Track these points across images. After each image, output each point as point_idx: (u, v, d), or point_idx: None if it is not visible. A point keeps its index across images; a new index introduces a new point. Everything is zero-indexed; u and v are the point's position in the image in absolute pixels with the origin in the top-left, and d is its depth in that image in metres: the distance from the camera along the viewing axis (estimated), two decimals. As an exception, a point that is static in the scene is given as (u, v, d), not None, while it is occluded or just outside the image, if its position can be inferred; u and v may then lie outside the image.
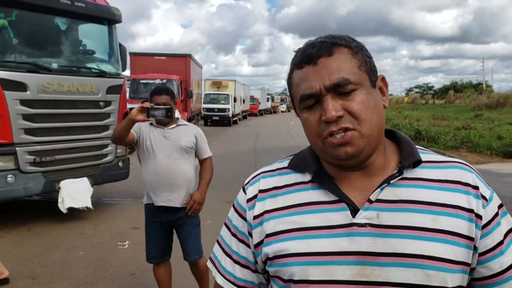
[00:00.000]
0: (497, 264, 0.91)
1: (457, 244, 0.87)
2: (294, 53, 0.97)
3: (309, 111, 0.92)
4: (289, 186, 1.00)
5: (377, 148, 0.93)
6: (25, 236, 5.81)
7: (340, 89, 0.88)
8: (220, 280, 1.07)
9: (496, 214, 0.92)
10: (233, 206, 1.08)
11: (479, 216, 0.90)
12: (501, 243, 0.91)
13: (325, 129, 0.88)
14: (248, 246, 1.02)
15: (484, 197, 0.91)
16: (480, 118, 30.37)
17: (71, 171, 6.45)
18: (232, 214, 1.08)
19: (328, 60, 0.89)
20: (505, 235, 0.93)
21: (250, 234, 1.01)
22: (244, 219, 1.03)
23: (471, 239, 0.89)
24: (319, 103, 0.90)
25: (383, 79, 0.98)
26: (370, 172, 0.94)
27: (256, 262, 1.01)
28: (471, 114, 33.78)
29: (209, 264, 1.12)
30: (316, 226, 0.92)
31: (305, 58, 0.92)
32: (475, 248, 0.90)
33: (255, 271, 1.03)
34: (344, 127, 0.87)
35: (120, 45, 7.35)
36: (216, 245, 1.11)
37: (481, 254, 0.91)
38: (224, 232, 1.09)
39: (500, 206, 0.94)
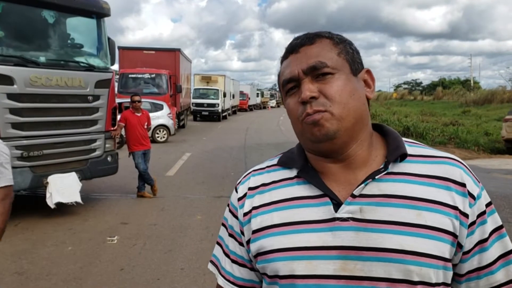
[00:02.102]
0: (475, 261, 0.92)
1: (441, 240, 0.87)
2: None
3: (291, 95, 0.95)
4: (276, 183, 1.01)
5: (358, 138, 0.93)
6: (12, 232, 5.74)
7: (317, 72, 0.91)
8: (221, 281, 1.07)
9: (483, 213, 0.92)
10: (228, 205, 1.09)
11: (465, 215, 0.89)
12: (483, 241, 0.91)
13: (302, 111, 0.91)
14: (242, 244, 1.03)
15: (471, 195, 0.90)
16: (468, 114, 30.72)
17: (59, 166, 6.39)
18: (227, 213, 1.08)
19: (308, 47, 0.94)
20: (490, 234, 0.92)
21: (242, 232, 1.02)
22: (237, 218, 1.04)
23: (455, 236, 0.88)
24: (299, 87, 0.93)
25: (368, 72, 0.99)
26: (354, 165, 0.94)
27: (250, 259, 1.02)
28: (458, 110, 34.15)
29: (210, 266, 1.12)
30: (299, 221, 0.92)
31: (289, 49, 0.97)
32: (459, 246, 0.89)
33: (252, 269, 1.04)
34: (317, 110, 0.89)
35: (109, 39, 7.28)
36: (216, 246, 1.11)
37: (465, 253, 0.91)
38: (222, 232, 1.10)
39: (488, 204, 0.93)
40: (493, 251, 0.92)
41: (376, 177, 0.91)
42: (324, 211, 0.91)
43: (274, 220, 0.95)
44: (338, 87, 0.90)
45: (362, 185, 0.91)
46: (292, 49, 0.96)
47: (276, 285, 0.94)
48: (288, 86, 0.95)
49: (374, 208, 0.89)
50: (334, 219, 0.90)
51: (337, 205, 0.91)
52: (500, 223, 0.95)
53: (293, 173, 1.00)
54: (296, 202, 0.95)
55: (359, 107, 0.92)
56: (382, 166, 0.93)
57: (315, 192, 0.94)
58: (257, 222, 0.98)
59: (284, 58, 0.99)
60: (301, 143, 1.00)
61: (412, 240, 0.86)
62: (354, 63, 0.96)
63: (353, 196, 0.90)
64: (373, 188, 0.91)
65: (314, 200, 0.93)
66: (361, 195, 0.90)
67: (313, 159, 0.98)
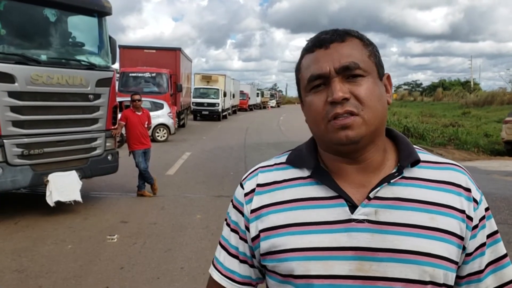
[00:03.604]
0: (476, 264, 0.95)
1: (451, 243, 0.90)
2: (307, 42, 0.98)
3: (316, 93, 0.92)
4: (288, 181, 0.99)
5: (377, 141, 0.94)
6: (12, 230, 5.75)
7: (349, 73, 0.89)
8: (216, 276, 1.06)
9: (483, 217, 0.96)
10: (231, 202, 1.07)
11: (470, 218, 0.92)
12: (483, 244, 0.95)
13: (330, 111, 0.89)
14: (246, 241, 1.02)
15: (475, 200, 0.94)
16: (468, 115, 30.75)
17: (59, 164, 6.40)
18: (230, 209, 1.07)
19: (340, 45, 0.91)
20: (487, 237, 0.96)
21: (247, 228, 1.01)
22: (242, 213, 1.02)
23: (462, 238, 0.91)
24: (326, 85, 0.90)
25: (388, 77, 0.99)
26: (368, 168, 0.95)
27: (253, 256, 1.02)
28: (458, 111, 34.19)
29: (210, 269, 1.10)
30: (315, 222, 0.93)
31: (317, 43, 0.93)
32: (463, 248, 0.93)
33: (252, 265, 1.04)
34: (349, 110, 0.87)
35: (110, 37, 7.29)
36: (218, 246, 1.10)
37: (467, 255, 0.94)
38: (224, 230, 1.08)
39: (486, 209, 0.97)
40: (486, 257, 0.96)
41: (391, 181, 0.93)
42: (339, 212, 0.92)
43: (287, 220, 0.95)
44: (369, 90, 0.89)
45: (378, 188, 0.92)
46: (320, 44, 0.92)
47: (291, 284, 0.94)
48: (315, 82, 0.92)
49: (388, 210, 0.91)
50: (350, 221, 0.91)
51: (352, 207, 0.92)
52: (496, 228, 0.99)
53: (305, 172, 0.99)
54: (311, 203, 0.95)
55: (383, 112, 0.92)
56: (395, 171, 0.94)
57: (330, 193, 0.94)
58: (269, 220, 0.97)
59: (309, 51, 0.94)
60: (318, 142, 0.99)
61: (427, 242, 0.88)
62: (381, 67, 0.95)
63: (369, 198, 0.91)
64: (387, 191, 0.92)
65: (329, 201, 0.94)
66: (376, 198, 0.92)
67: (328, 158, 0.97)
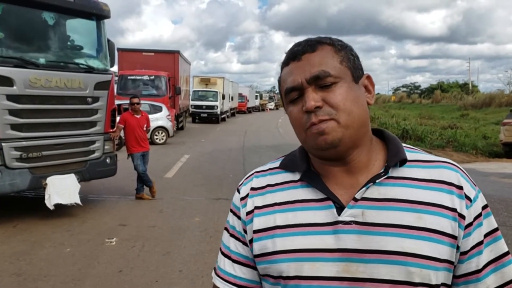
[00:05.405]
0: (473, 263, 0.93)
1: (440, 242, 0.89)
2: (285, 54, 1.01)
3: (294, 104, 0.95)
4: (280, 184, 1.02)
5: (360, 143, 0.95)
6: (11, 233, 5.75)
7: (320, 82, 0.91)
8: (219, 283, 1.07)
9: (479, 215, 0.94)
10: (230, 208, 1.10)
11: (462, 216, 0.91)
12: (480, 243, 0.93)
13: (307, 120, 0.92)
14: (246, 244, 1.04)
15: (468, 198, 0.93)
16: (466, 117, 30.80)
17: (58, 167, 6.40)
18: (229, 216, 1.09)
19: (311, 55, 0.94)
20: (485, 236, 0.94)
21: (245, 231, 1.03)
22: (239, 217, 1.05)
23: (454, 237, 0.90)
24: (302, 96, 0.93)
25: (368, 77, 1.00)
26: (355, 169, 0.96)
27: (254, 258, 1.03)
28: (457, 113, 34.24)
29: (213, 278, 1.11)
30: (303, 224, 0.94)
31: (291, 55, 0.97)
32: (457, 247, 0.92)
33: (255, 268, 1.04)
34: (322, 120, 0.90)
35: (108, 40, 7.29)
36: (219, 254, 1.11)
37: (462, 254, 0.93)
38: (224, 236, 1.10)
39: (484, 207, 0.96)
40: (485, 256, 0.94)
41: (377, 181, 0.93)
42: (327, 214, 0.93)
43: (277, 222, 0.97)
44: (342, 95, 0.91)
45: (364, 188, 0.93)
46: (293, 56, 0.96)
47: (279, 285, 0.95)
48: (292, 95, 0.95)
49: (375, 211, 0.91)
50: (337, 222, 0.92)
51: (340, 208, 0.93)
52: (495, 225, 0.97)
53: (296, 176, 1.01)
54: (300, 205, 0.97)
55: (362, 114, 0.94)
56: (382, 171, 0.95)
57: (319, 195, 0.96)
58: (260, 222, 0.99)
59: (285, 64, 0.98)
60: (304, 147, 1.01)
61: (413, 243, 0.88)
62: (356, 70, 0.96)
63: (355, 199, 0.92)
64: (374, 191, 0.93)
65: (318, 203, 0.95)
66: (363, 199, 0.92)
67: (317, 162, 1.00)
